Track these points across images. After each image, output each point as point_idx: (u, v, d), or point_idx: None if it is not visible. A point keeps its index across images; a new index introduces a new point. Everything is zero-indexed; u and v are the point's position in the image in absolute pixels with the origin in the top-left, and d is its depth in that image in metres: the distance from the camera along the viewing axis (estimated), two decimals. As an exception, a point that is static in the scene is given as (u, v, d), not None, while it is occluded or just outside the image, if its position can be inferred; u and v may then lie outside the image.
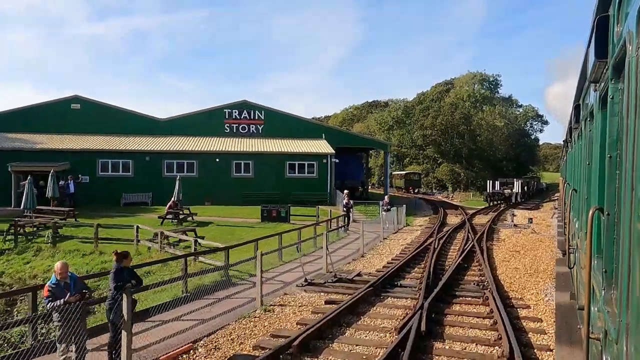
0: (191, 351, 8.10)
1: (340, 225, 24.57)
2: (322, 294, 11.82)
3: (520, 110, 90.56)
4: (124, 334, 6.99)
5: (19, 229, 21.01)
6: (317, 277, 13.46)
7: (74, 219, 23.57)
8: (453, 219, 30.86)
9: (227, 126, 38.94)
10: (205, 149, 34.52)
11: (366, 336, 8.74)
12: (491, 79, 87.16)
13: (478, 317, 9.66)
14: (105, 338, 7.86)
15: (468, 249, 17.58)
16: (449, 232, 22.74)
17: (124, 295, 6.97)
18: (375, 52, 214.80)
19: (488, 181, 46.40)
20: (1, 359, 7.75)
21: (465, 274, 13.87)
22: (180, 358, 7.85)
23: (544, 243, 20.34)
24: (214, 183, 34.07)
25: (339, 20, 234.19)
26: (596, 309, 2.75)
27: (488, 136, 75.21)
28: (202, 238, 19.36)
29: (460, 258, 15.59)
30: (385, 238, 22.24)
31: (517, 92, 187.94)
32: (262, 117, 39.37)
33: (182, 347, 8.11)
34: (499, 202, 43.76)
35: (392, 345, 7.61)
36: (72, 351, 6.82)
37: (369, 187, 74.28)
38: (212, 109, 39.25)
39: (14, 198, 30.05)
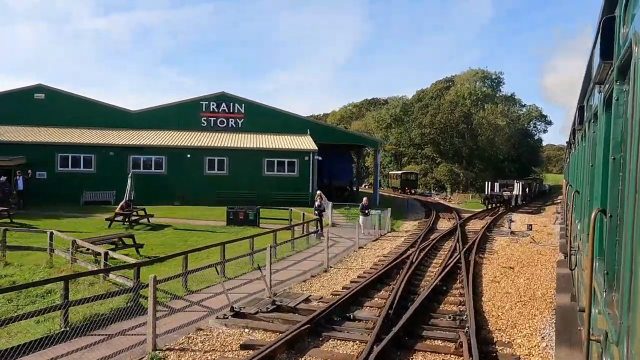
0: None
1: (313, 231, 21.70)
2: (246, 330, 8.93)
3: (524, 110, 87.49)
4: None
5: None
6: (252, 303, 10.57)
7: (9, 220, 20.71)
8: (444, 224, 27.93)
9: (204, 119, 36.06)
10: (175, 144, 31.63)
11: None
12: (493, 76, 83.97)
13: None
14: None
15: (452, 263, 14.67)
16: (435, 241, 19.82)
17: None
18: (380, 51, 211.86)
19: (486, 183, 43.37)
20: None
21: (442, 301, 10.95)
22: None
23: (544, 256, 17.40)
24: (185, 181, 31.24)
25: (344, 18, 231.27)
26: (597, 311, 2.78)
27: (489, 136, 72.20)
28: (141, 246, 16.53)
29: (440, 277, 12.69)
30: (362, 247, 19.35)
31: (523, 93, 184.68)
32: (242, 111, 36.47)
33: None
34: (497, 205, 40.79)
35: None
36: None
37: (366, 187, 71.49)
38: (188, 101, 36.37)
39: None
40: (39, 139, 30.54)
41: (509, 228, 24.40)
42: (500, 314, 10.00)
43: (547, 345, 8.05)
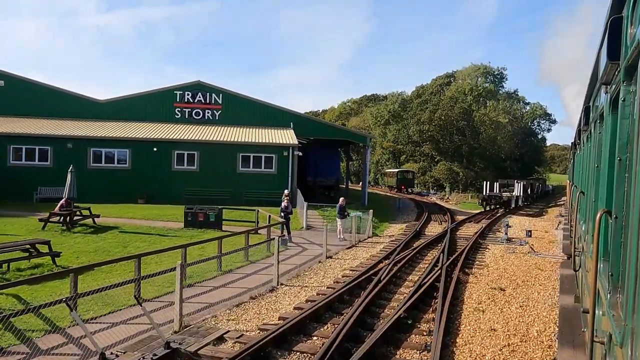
0: None
1: (279, 235, 18.87)
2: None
3: (528, 108, 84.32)
4: None
5: None
6: (138, 346, 7.77)
7: None
8: (434, 228, 25.05)
9: (178, 110, 33.21)
10: (141, 136, 28.81)
11: None
12: (496, 72, 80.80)
13: None
14: None
15: (429, 282, 11.84)
16: (417, 250, 16.97)
17: None
18: (383, 49, 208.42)
19: (484, 182, 40.38)
20: None
21: (400, 346, 8.10)
22: None
23: (543, 272, 14.53)
24: (151, 177, 28.45)
25: (348, 15, 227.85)
26: (601, 312, 2.76)
27: (491, 134, 69.12)
28: (58, 255, 13.75)
29: (408, 304, 9.86)
30: (331, 257, 16.52)
31: (528, 93, 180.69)
32: (220, 102, 33.60)
33: None
34: (496, 206, 37.84)
35: None
36: None
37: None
38: (161, 90, 33.47)
39: None
40: (-11, 130, 27.81)
41: (506, 234, 21.53)
42: (478, 368, 7.16)
43: None
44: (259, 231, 16.22)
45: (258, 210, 21.64)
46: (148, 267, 14.01)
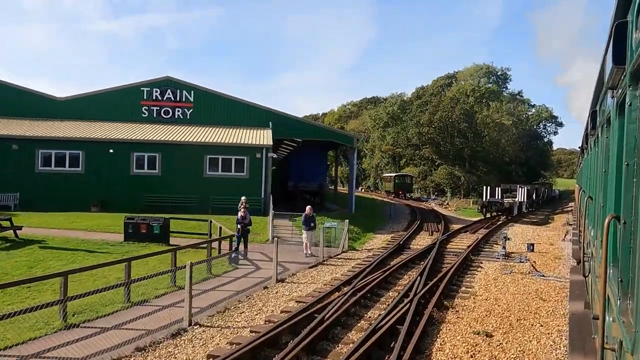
0: None
1: (232, 251, 15.78)
2: None
3: (533, 110, 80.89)
4: None
5: None
6: None
7: None
8: (422, 240, 21.82)
9: (145, 109, 30.18)
10: (95, 136, 25.79)
11: None
12: (499, 72, 77.45)
13: None
14: None
15: (389, 324, 8.67)
16: (391, 271, 13.78)
17: None
18: (387, 51, 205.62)
19: (484, 187, 37.02)
20: None
21: None
22: None
23: (547, 302, 11.29)
24: (106, 182, 25.42)
25: (352, 19, 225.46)
26: (611, 318, 2.74)
27: (495, 136, 65.79)
28: None
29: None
30: (283, 280, 13.35)
31: (533, 96, 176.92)
32: (191, 99, 30.58)
33: None
34: (497, 213, 34.51)
35: None
36: None
37: (362, 190, 65.43)
38: (126, 87, 30.45)
39: None
40: None
41: (503, 248, 18.28)
42: None
43: None
44: (176, 251, 13.02)
45: (211, 221, 18.52)
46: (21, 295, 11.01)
